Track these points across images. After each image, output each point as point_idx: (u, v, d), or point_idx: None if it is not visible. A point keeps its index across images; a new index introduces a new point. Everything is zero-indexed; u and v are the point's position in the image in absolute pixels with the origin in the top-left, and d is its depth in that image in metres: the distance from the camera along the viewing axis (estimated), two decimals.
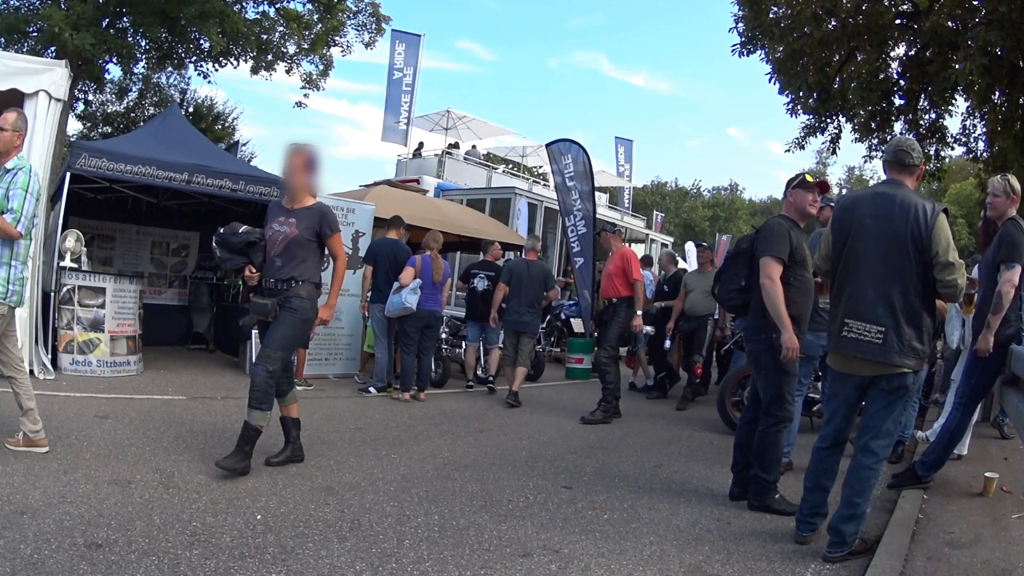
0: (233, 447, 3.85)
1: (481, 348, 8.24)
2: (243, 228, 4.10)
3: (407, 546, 2.98)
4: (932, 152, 11.40)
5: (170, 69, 17.86)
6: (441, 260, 7.10)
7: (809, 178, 3.95)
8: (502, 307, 7.59)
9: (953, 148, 12.19)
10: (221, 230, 4.10)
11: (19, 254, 3.68)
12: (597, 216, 10.71)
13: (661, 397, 8.46)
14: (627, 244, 7.88)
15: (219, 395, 6.27)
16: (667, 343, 8.35)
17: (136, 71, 17.52)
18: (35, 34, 14.50)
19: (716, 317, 7.94)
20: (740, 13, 11.29)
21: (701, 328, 7.84)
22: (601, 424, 6.41)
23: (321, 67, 17.72)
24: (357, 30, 17.84)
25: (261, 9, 16.62)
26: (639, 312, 6.57)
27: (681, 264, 11.18)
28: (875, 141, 11.94)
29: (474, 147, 19.17)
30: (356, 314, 7.92)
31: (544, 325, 9.93)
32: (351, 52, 17.93)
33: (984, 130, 11.41)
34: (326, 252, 4.17)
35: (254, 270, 4.01)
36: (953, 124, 16.29)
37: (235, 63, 16.82)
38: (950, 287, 3.03)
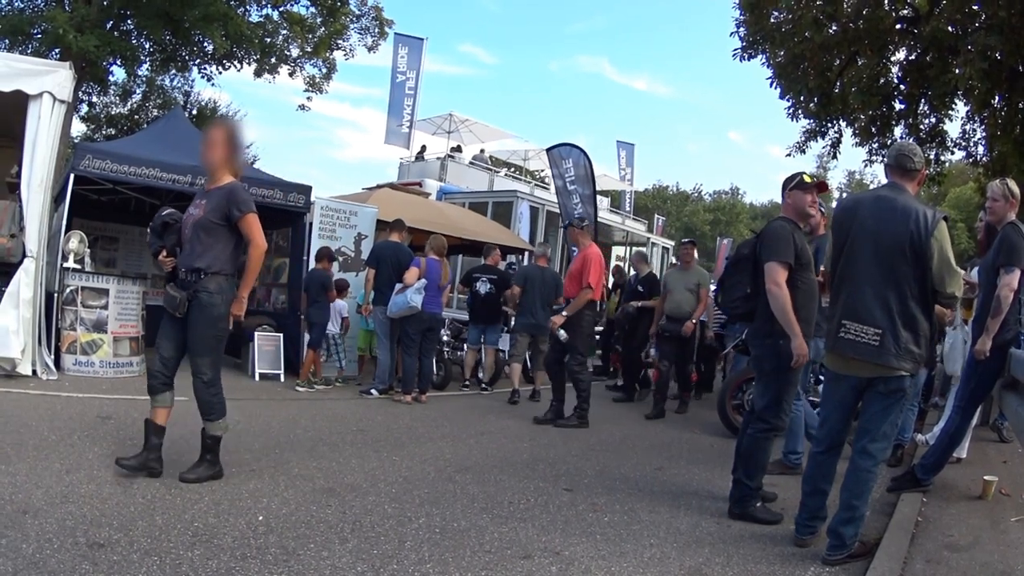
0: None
1: (483, 351, 8.30)
2: (167, 210, 3.86)
3: (408, 547, 2.99)
4: (932, 156, 11.42)
5: (174, 71, 17.97)
6: (447, 264, 7.18)
7: (807, 178, 3.84)
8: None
9: (953, 152, 12.23)
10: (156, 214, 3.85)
11: None
12: (598, 219, 10.74)
13: (648, 394, 8.16)
14: (620, 245, 7.77)
15: None
16: (652, 351, 7.98)
17: (140, 73, 17.66)
18: (39, 36, 14.58)
19: (703, 319, 7.64)
20: (741, 18, 11.34)
21: (687, 332, 7.39)
22: (577, 428, 6.23)
23: (324, 70, 17.81)
24: (360, 33, 17.94)
25: (264, 12, 16.72)
26: (565, 313, 6.26)
27: None
28: (875, 145, 11.97)
29: (482, 151, 19.17)
30: (355, 316, 7.94)
31: None
32: (354, 55, 18.03)
33: (984, 134, 11.43)
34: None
35: (166, 254, 3.72)
36: (953, 128, 16.34)
37: (238, 66, 16.91)
38: (947, 297, 3.09)
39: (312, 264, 7.68)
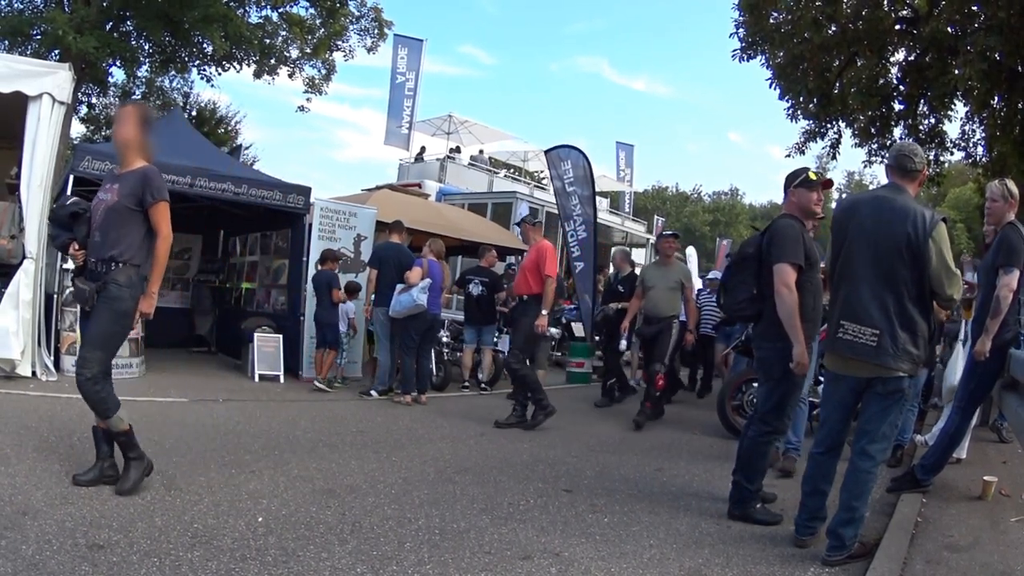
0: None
1: (482, 352, 8.33)
2: (72, 199, 3.68)
3: (408, 548, 2.99)
4: (931, 157, 11.44)
5: (173, 72, 17.93)
6: (447, 267, 7.23)
7: (812, 175, 3.67)
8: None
9: (952, 153, 12.27)
10: (55, 205, 3.69)
11: None
12: (598, 220, 10.73)
13: (608, 405, 7.67)
14: (625, 246, 7.59)
15: (221, 397, 6.29)
16: (623, 343, 7.61)
17: (139, 74, 17.60)
18: (39, 37, 14.57)
19: (683, 319, 6.98)
20: (741, 18, 11.35)
21: (665, 332, 6.67)
22: (522, 429, 5.99)
23: (324, 71, 17.78)
24: (359, 35, 17.89)
25: (264, 13, 16.70)
26: (544, 312, 6.00)
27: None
28: (875, 146, 11.99)
29: (481, 152, 19.18)
30: (364, 318, 7.97)
31: None
32: (353, 56, 17.98)
33: (983, 135, 11.46)
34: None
35: (78, 246, 3.48)
36: (952, 129, 16.33)
37: (238, 67, 16.90)
38: (945, 299, 3.10)
39: (311, 265, 7.73)
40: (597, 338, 9.26)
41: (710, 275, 10.50)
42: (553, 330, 6.12)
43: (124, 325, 3.43)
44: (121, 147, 3.54)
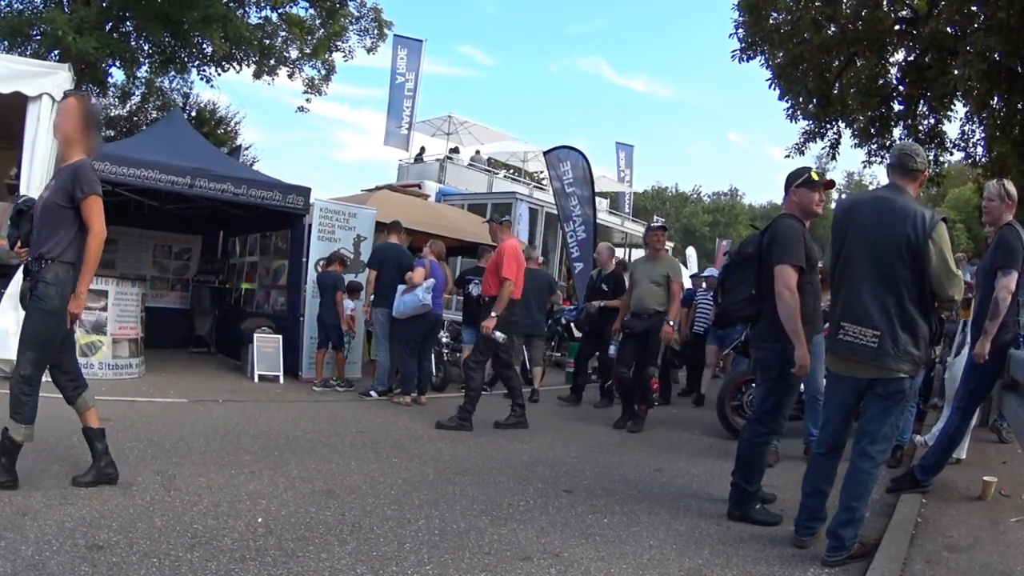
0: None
1: None
2: (23, 198, 3.58)
3: (407, 549, 2.99)
4: (931, 157, 11.45)
5: (173, 73, 17.93)
6: (447, 267, 7.26)
7: (815, 175, 3.62)
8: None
9: (952, 153, 12.29)
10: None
11: None
12: (597, 221, 10.74)
13: (607, 406, 7.62)
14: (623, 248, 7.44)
15: (220, 398, 6.29)
16: (612, 349, 7.32)
17: (139, 75, 17.61)
18: (38, 37, 14.59)
19: (673, 321, 6.78)
20: (740, 19, 11.37)
21: (654, 331, 6.34)
22: (516, 428, 6.00)
23: (323, 72, 17.80)
24: (359, 35, 17.92)
25: (264, 14, 16.72)
26: (494, 314, 5.84)
27: (686, 273, 10.61)
28: (874, 146, 12.01)
29: (478, 152, 19.19)
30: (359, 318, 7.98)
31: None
32: (353, 57, 18.01)
33: (983, 135, 11.47)
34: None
35: (21, 244, 3.39)
36: (952, 129, 16.36)
37: (237, 67, 16.91)
38: (946, 301, 3.09)
39: (311, 266, 7.74)
40: (579, 335, 8.88)
41: (706, 272, 10.47)
42: (498, 334, 5.94)
43: (51, 325, 3.25)
44: (61, 141, 3.42)
